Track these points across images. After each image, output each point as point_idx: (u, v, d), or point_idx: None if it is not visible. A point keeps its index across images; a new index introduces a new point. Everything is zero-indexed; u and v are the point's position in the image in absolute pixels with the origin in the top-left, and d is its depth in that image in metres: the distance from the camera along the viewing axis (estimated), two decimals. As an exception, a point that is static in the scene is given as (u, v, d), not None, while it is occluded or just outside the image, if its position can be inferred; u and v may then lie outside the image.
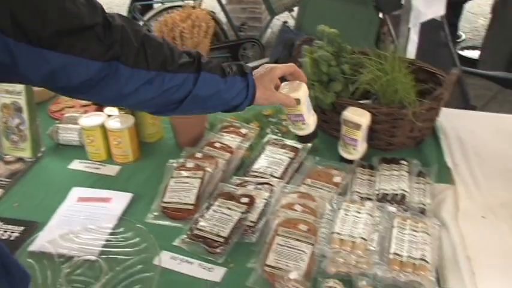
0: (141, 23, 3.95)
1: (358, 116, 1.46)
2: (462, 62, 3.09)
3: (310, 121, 1.37)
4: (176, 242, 1.26)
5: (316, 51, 1.59)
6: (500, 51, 3.03)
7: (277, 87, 1.28)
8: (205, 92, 1.09)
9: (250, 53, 4.21)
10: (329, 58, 1.56)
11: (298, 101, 1.32)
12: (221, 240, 1.23)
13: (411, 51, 2.40)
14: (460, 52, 4.47)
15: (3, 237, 1.31)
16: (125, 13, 5.12)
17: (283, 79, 1.31)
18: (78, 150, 1.63)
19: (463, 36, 5.11)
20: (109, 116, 1.60)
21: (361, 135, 1.46)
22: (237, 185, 1.39)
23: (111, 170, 1.54)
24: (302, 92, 1.31)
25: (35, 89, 1.83)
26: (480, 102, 3.24)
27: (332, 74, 1.56)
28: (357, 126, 1.44)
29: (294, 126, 1.39)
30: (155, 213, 1.35)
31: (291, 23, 3.75)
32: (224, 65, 1.16)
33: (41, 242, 1.28)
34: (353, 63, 1.60)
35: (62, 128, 1.68)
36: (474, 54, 4.37)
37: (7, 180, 1.52)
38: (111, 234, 1.29)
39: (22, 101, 1.61)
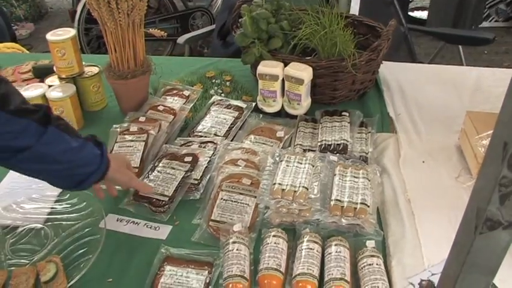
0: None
1: (300, 71, 1.46)
2: (413, 22, 3.13)
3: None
4: (122, 205, 1.26)
5: (255, 10, 1.59)
6: (445, 11, 3.09)
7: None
8: (51, 150, 1.00)
9: (199, 23, 4.16)
10: (267, 16, 1.56)
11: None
12: (165, 199, 1.24)
13: (354, 8, 2.42)
14: (410, 13, 4.51)
15: None
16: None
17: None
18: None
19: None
20: (49, 86, 1.57)
21: (304, 90, 1.47)
22: (181, 145, 1.39)
23: (55, 140, 1.52)
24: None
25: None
26: (428, 59, 3.32)
27: (271, 31, 1.56)
28: (300, 81, 1.45)
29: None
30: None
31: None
32: (73, 128, 1.10)
33: (-16, 215, 1.26)
34: (292, 19, 1.60)
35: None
36: (423, 15, 4.43)
37: None
38: (56, 201, 1.28)
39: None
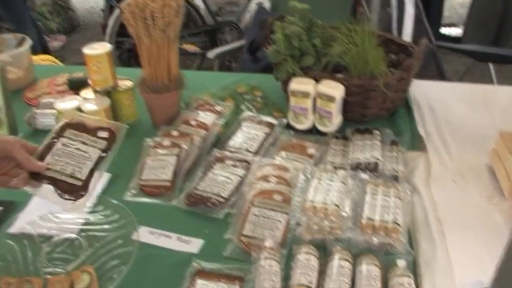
0: (117, 10, 3.93)
1: (332, 89, 1.48)
2: (444, 39, 3.11)
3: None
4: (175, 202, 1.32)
5: (288, 27, 1.60)
6: (485, 27, 3.04)
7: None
8: None
9: (228, 37, 4.20)
10: (300, 33, 1.58)
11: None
12: (222, 200, 1.29)
13: (408, 24, 2.42)
14: (441, 30, 4.49)
15: (-18, 217, 1.33)
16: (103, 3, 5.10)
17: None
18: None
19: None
20: (85, 99, 1.61)
21: (335, 108, 1.48)
22: (216, 159, 1.41)
23: (89, 151, 1.55)
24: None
25: (10, 76, 1.85)
26: (457, 77, 3.30)
27: (304, 48, 1.58)
28: (331, 99, 1.47)
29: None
30: (133, 191, 1.37)
31: (267, 5, 3.76)
32: None
33: (21, 223, 1.29)
34: (324, 37, 1.62)
35: (39, 114, 1.68)
36: (453, 31, 4.41)
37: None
38: (90, 212, 1.31)
39: (-4, 88, 1.61)
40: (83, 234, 1.25)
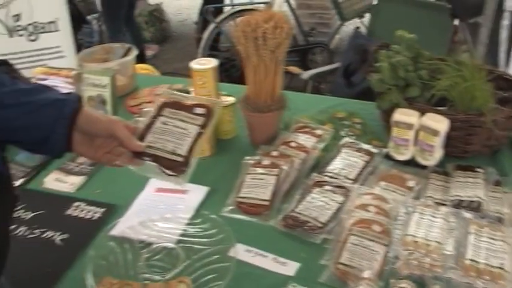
0: (213, 25, 4.04)
1: (437, 123, 1.45)
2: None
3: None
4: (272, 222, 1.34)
5: (394, 57, 1.59)
6: None
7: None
8: None
9: (318, 58, 4.22)
10: (407, 63, 1.56)
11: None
12: (319, 224, 1.29)
13: None
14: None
15: (87, 217, 1.41)
16: (195, 16, 5.26)
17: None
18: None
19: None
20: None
21: (438, 142, 1.45)
22: (314, 183, 1.42)
23: (188, 163, 1.60)
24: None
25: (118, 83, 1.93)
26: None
27: (409, 79, 1.56)
28: (435, 133, 1.44)
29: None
30: (230, 208, 1.39)
31: (361, 29, 3.75)
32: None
33: (122, 227, 1.34)
34: (430, 69, 1.59)
35: (141, 122, 1.74)
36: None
37: (90, 167, 1.60)
38: (188, 224, 1.34)
39: (107, 94, 1.70)
40: (181, 245, 1.28)
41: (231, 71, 4.00)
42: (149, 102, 1.98)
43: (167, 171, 1.10)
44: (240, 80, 1.73)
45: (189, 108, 1.17)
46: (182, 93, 1.24)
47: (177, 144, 1.11)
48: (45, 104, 0.96)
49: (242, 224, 1.34)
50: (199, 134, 1.13)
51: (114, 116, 1.06)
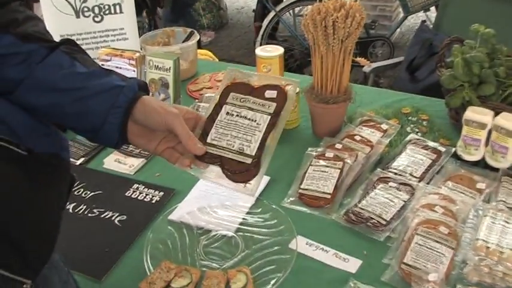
0: (272, 13, 4.02)
1: (512, 123, 1.39)
2: None
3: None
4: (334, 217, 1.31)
5: (468, 52, 1.54)
6: None
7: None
8: (51, 74, 0.88)
9: (379, 52, 4.15)
10: (482, 59, 1.50)
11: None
12: (383, 222, 1.25)
13: None
14: None
15: (146, 200, 1.42)
16: (252, 4, 5.26)
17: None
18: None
19: None
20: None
21: None
22: (379, 179, 1.38)
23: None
24: None
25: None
26: None
27: (484, 76, 1.50)
28: (510, 134, 1.38)
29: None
30: (291, 199, 1.38)
31: (427, 23, 3.66)
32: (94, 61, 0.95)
33: (181, 212, 1.35)
34: (508, 65, 1.53)
35: (202, 107, 1.75)
36: None
37: (149, 151, 1.62)
38: (248, 213, 1.33)
39: (169, 77, 1.71)
40: (240, 234, 1.27)
41: (289, 62, 3.98)
42: (210, 88, 1.99)
43: (234, 176, 0.96)
44: (298, 71, 1.72)
45: (258, 92, 1.02)
46: (249, 72, 1.07)
47: (245, 141, 0.97)
48: (100, 90, 0.90)
49: (303, 216, 1.33)
50: (271, 126, 0.97)
51: (174, 108, 0.95)
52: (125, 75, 0.96)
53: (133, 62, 1.75)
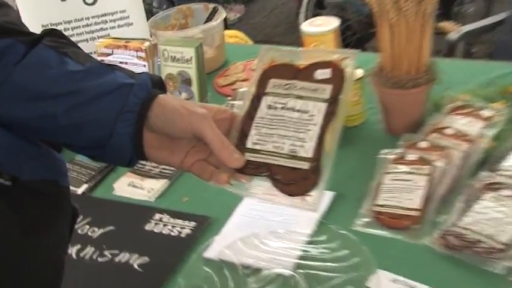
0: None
1: None
2: None
3: None
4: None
5: None
6: None
7: None
8: (34, 77, 0.87)
9: (469, 9, 4.08)
10: None
11: None
12: (499, 246, 1.21)
13: None
14: None
15: (173, 234, 1.42)
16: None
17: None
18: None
19: None
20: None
21: None
22: (485, 186, 1.35)
23: (302, 161, 1.58)
24: None
25: (204, 56, 1.94)
26: None
27: None
28: None
29: None
30: (365, 220, 1.35)
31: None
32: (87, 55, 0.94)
33: (219, 247, 1.35)
34: None
35: (237, 106, 1.74)
36: None
37: (172, 169, 1.61)
38: (310, 243, 1.32)
39: (192, 70, 1.71)
40: (301, 271, 1.26)
41: (345, 36, 3.95)
42: (245, 80, 1.98)
43: (288, 188, 0.91)
44: (358, 46, 1.70)
45: (305, 73, 0.98)
46: (290, 49, 1.05)
47: (297, 140, 0.93)
48: (102, 92, 0.88)
49: (383, 242, 1.30)
50: (329, 116, 0.93)
51: (201, 108, 0.92)
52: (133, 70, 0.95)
53: (143, 54, 1.77)
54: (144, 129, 0.90)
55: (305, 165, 0.91)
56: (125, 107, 0.88)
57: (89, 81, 0.88)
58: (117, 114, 0.88)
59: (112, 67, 0.94)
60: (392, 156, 1.46)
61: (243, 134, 0.96)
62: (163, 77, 1.75)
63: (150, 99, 0.89)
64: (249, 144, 0.95)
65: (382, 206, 1.36)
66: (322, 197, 0.94)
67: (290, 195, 0.91)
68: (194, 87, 1.71)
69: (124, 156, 0.92)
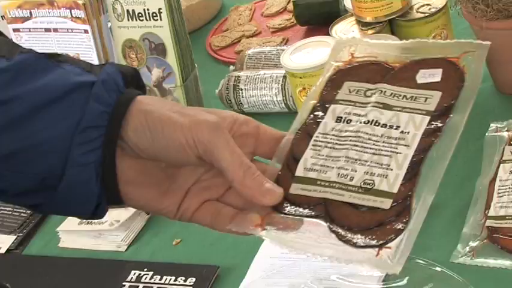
0: None
1: None
2: None
3: None
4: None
5: None
6: None
7: None
8: None
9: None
10: None
11: None
12: None
13: None
14: None
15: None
16: None
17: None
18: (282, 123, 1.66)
19: None
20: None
21: None
22: None
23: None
24: None
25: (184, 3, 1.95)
26: None
27: None
28: None
29: None
30: (472, 244, 1.36)
31: None
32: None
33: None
34: None
35: (245, 80, 1.74)
36: None
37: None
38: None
39: (164, 30, 1.70)
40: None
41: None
42: (257, 34, 1.98)
43: (355, 236, 0.91)
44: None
45: (402, 75, 1.03)
46: (385, 36, 1.15)
47: (376, 166, 0.94)
48: (46, 100, 0.87)
49: (505, 277, 1.30)
50: (433, 135, 0.95)
51: (207, 113, 0.92)
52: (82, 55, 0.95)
53: (81, 14, 1.76)
54: (117, 154, 0.89)
55: (386, 203, 0.91)
56: (82, 120, 0.86)
57: (21, 85, 0.87)
58: (71, 134, 0.86)
59: (56, 58, 0.92)
60: (507, 135, 1.46)
61: (292, 157, 0.99)
62: (118, 46, 1.75)
63: (123, 104, 0.88)
64: (299, 172, 0.96)
65: (499, 218, 1.36)
66: (406, 252, 0.89)
67: (358, 247, 0.90)
68: (171, 58, 1.70)
69: (86, 201, 0.90)
